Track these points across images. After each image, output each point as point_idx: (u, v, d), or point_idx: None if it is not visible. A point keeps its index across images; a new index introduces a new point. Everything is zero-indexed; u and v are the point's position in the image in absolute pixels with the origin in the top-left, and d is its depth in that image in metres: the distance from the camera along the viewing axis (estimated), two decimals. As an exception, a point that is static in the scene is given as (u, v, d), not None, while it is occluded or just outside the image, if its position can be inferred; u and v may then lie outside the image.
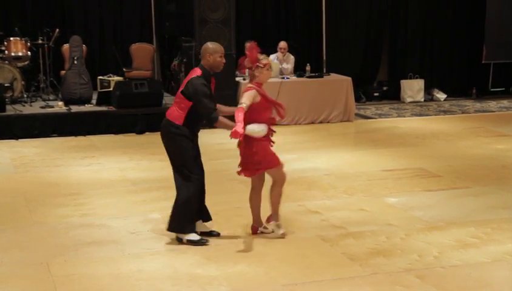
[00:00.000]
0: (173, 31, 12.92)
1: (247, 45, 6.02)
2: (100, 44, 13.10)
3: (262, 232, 6.11)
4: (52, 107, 10.89)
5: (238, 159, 9.05)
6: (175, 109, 5.84)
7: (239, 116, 5.56)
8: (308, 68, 12.10)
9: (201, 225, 6.04)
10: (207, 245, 5.84)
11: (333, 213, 6.72)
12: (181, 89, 5.86)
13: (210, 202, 6.75)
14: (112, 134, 10.60)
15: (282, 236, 6.01)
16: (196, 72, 5.82)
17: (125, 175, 8.20)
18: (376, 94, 14.21)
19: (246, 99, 5.75)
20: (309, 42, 14.06)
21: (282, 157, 9.13)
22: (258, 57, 5.89)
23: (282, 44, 12.01)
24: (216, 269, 5.33)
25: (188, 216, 5.86)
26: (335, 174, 8.22)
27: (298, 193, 7.40)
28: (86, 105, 11.10)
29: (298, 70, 12.12)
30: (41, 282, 5.09)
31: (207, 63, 5.83)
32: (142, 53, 12.75)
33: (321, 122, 11.69)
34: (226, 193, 7.48)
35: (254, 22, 13.66)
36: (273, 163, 5.94)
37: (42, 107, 10.84)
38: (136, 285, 5.05)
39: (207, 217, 6.09)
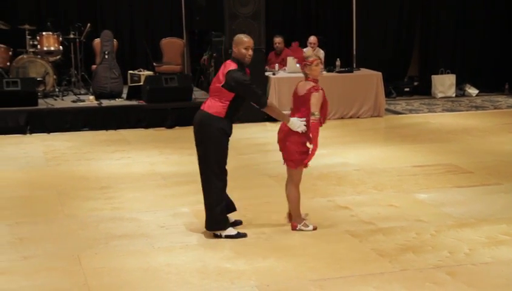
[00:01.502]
0: (203, 25, 12.94)
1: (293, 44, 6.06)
2: (130, 39, 13.19)
3: (301, 230, 6.09)
4: (83, 101, 10.99)
5: (266, 154, 9.11)
6: (215, 101, 5.79)
7: (316, 134, 5.77)
8: (338, 63, 12.06)
9: None
10: (245, 237, 5.88)
11: (363, 209, 6.69)
12: (218, 83, 5.82)
13: (239, 196, 6.77)
14: (142, 129, 10.66)
15: (315, 229, 6.03)
16: (231, 65, 5.80)
17: (155, 169, 8.24)
18: (407, 89, 14.09)
19: (317, 106, 5.82)
20: (339, 37, 13.99)
21: (311, 152, 9.11)
22: (304, 55, 5.94)
23: (312, 39, 11.97)
24: (244, 263, 5.34)
25: (224, 212, 5.89)
26: (365, 169, 8.18)
27: (327, 188, 7.38)
28: (117, 99, 11.18)
29: (328, 65, 12.07)
30: (72, 274, 5.14)
31: (235, 54, 5.82)
32: (172, 47, 12.80)
33: (350, 117, 11.63)
34: (255, 187, 7.49)
35: (284, 16, 13.63)
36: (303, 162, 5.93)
37: (73, 101, 10.95)
38: (165, 278, 5.07)
39: (232, 208, 6.10)
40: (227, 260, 5.40)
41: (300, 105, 5.93)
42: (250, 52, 5.83)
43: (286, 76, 11.46)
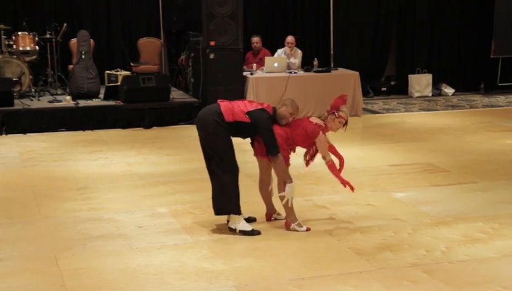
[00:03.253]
0: (181, 25, 12.91)
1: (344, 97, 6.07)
2: (107, 39, 13.10)
3: (276, 219, 6.21)
4: (60, 101, 10.90)
5: (244, 154, 9.10)
6: (238, 107, 5.93)
7: (336, 173, 6.09)
8: (316, 62, 12.09)
9: None
10: (259, 234, 5.92)
11: (341, 208, 6.72)
12: (250, 107, 5.96)
13: (205, 198, 6.75)
14: (120, 129, 10.61)
15: (309, 230, 6.07)
16: (268, 108, 6.00)
17: (132, 169, 8.21)
18: (384, 88, 14.17)
19: (326, 149, 6.08)
20: (316, 37, 14.02)
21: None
22: (340, 107, 5.98)
23: (290, 39, 12.00)
24: (223, 263, 5.34)
25: (234, 198, 5.94)
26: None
27: (305, 188, 7.40)
28: (94, 99, 11.11)
29: (306, 65, 12.11)
30: (49, 275, 5.11)
31: (280, 110, 6.03)
32: (150, 47, 12.75)
33: (328, 117, 11.65)
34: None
35: (262, 16, 13.63)
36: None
37: (50, 102, 10.86)
38: (143, 279, 5.06)
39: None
40: (205, 260, 5.40)
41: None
42: (291, 120, 6.03)
43: (263, 76, 11.47)
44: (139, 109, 10.78)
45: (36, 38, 11.46)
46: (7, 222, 6.31)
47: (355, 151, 9.20)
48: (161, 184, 7.58)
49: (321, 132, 6.02)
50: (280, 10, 13.81)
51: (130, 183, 7.62)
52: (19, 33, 11.36)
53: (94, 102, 10.99)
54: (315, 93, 11.54)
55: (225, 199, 5.91)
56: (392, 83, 14.34)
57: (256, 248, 5.69)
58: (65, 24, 11.65)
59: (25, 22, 11.40)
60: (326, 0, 13.81)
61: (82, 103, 10.86)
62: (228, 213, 6.00)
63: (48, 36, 11.56)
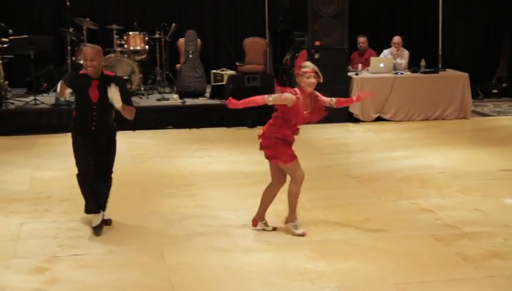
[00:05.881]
0: (286, 25, 12.95)
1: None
2: (214, 38, 13.32)
3: (263, 229, 6.07)
4: (167, 99, 11.18)
5: (349, 155, 9.04)
6: None
7: (251, 98, 6.02)
8: (423, 63, 11.82)
9: None
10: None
11: (448, 212, 6.53)
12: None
13: (321, 196, 6.75)
14: (224, 127, 10.75)
15: (303, 235, 5.91)
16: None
17: (236, 168, 8.29)
18: (495, 90, 13.66)
19: (275, 97, 5.97)
20: (424, 37, 13.73)
21: (394, 153, 9.02)
22: (301, 64, 5.89)
23: (397, 39, 11.80)
24: (326, 264, 5.30)
25: None
26: (450, 172, 7.99)
27: (410, 191, 7.24)
28: (200, 98, 11.32)
29: (413, 65, 11.87)
30: (155, 269, 5.23)
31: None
32: (255, 47, 12.86)
33: (435, 119, 11.38)
34: (337, 188, 7.43)
35: (368, 16, 13.48)
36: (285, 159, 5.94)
37: (158, 100, 11.15)
38: (246, 277, 5.09)
39: None
40: (308, 261, 5.38)
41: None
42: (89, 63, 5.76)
43: (369, 76, 11.33)
44: (243, 108, 10.85)
45: (146, 38, 11.79)
46: (117, 216, 6.49)
47: (463, 154, 8.94)
48: (264, 183, 7.55)
49: (288, 93, 5.86)
50: (387, 9, 13.61)
51: (235, 181, 7.70)
52: (130, 33, 11.72)
53: (201, 101, 11.19)
54: (422, 95, 11.29)
55: None
56: (504, 85, 13.81)
57: (360, 249, 5.61)
58: (173, 24, 11.93)
59: (136, 23, 11.76)
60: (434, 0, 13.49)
61: (189, 101, 11.08)
62: None
63: (157, 35, 11.87)
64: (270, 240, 5.85)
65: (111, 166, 6.10)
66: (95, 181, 5.95)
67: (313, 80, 5.83)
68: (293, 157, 5.94)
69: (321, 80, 5.88)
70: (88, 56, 5.67)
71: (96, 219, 5.98)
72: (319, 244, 5.74)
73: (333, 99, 6.10)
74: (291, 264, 5.32)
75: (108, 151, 6.03)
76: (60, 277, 5.07)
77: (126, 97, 5.81)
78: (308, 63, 5.89)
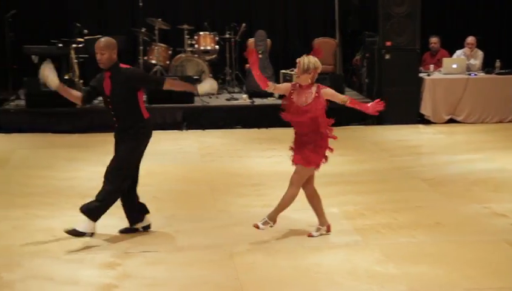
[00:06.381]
0: (356, 25, 12.85)
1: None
2: (284, 38, 13.33)
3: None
4: (237, 99, 11.25)
5: (419, 157, 8.90)
6: None
7: (261, 76, 5.87)
8: (498, 64, 11.53)
9: None
10: None
11: (522, 217, 6.36)
12: None
13: (390, 198, 6.67)
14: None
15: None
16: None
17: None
18: None
19: (276, 85, 6.08)
20: (499, 37, 13.39)
21: (467, 156, 8.84)
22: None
23: (470, 39, 11.55)
24: (395, 268, 5.23)
25: None
26: (525, 176, 7.78)
27: (483, 195, 7.08)
28: (269, 98, 11.34)
29: (487, 66, 11.59)
30: (224, 268, 5.26)
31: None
32: (325, 47, 12.73)
33: (510, 121, 11.09)
34: (407, 190, 7.33)
35: (440, 16, 13.23)
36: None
37: (227, 99, 11.24)
38: (314, 278, 5.08)
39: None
40: (377, 263, 5.32)
41: None
42: (98, 56, 5.67)
43: (441, 77, 11.13)
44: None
45: (216, 38, 11.89)
46: (186, 214, 6.59)
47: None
48: (332, 184, 7.57)
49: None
50: (460, 9, 13.33)
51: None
52: (201, 32, 11.85)
53: (270, 101, 11.21)
54: (496, 97, 11.03)
55: None
56: None
57: (429, 253, 5.52)
58: (243, 24, 11.99)
59: (207, 23, 11.88)
60: (510, -1, 13.16)
61: (258, 101, 11.11)
62: None
63: (227, 35, 11.95)
64: (338, 242, 5.81)
65: (118, 166, 5.71)
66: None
67: (297, 70, 5.87)
68: (295, 160, 5.95)
69: (299, 71, 5.85)
70: (98, 50, 5.62)
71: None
72: (388, 247, 5.67)
73: (347, 98, 6.06)
74: (360, 266, 5.28)
75: (122, 148, 5.75)
76: (131, 273, 5.16)
77: (148, 79, 5.81)
78: (301, 59, 5.87)
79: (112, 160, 5.77)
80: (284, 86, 6.06)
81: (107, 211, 5.73)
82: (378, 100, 5.94)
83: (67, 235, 5.77)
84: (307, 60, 5.81)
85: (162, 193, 7.28)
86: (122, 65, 5.76)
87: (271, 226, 5.90)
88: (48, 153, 9.05)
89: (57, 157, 8.75)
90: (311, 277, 5.09)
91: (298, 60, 5.88)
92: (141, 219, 5.97)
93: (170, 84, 5.95)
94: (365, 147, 9.44)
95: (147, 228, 6.01)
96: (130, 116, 5.70)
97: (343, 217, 6.42)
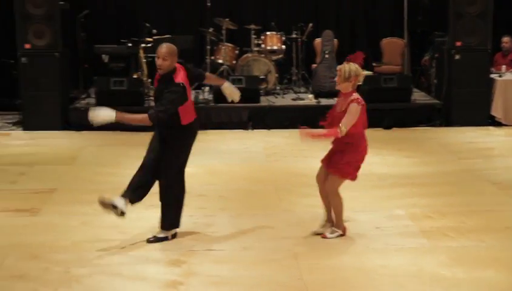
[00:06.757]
0: (426, 25, 12.64)
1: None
2: (351, 38, 13.22)
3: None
4: (302, 99, 11.22)
5: (490, 160, 8.69)
6: None
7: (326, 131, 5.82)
8: None
9: None
10: None
11: None
12: None
13: (459, 201, 6.53)
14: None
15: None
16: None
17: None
18: None
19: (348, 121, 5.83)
20: None
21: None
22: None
23: (506, 39, 11.27)
24: (462, 272, 5.13)
25: None
26: None
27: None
28: (335, 98, 11.22)
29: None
30: (288, 268, 5.26)
31: None
32: (393, 47, 12.64)
33: None
34: (476, 194, 7.17)
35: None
36: None
37: (293, 99, 11.22)
38: (379, 280, 5.02)
39: None
40: (444, 267, 5.23)
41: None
42: (159, 61, 5.64)
43: (513, 79, 10.86)
44: (379, 109, 10.71)
45: (283, 38, 11.89)
46: (251, 213, 6.61)
47: None
48: (398, 186, 7.48)
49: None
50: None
51: (369, 183, 7.59)
52: (268, 32, 11.87)
53: (336, 101, 11.10)
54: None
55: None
56: None
57: (498, 258, 5.39)
58: (310, 24, 11.95)
59: (274, 23, 11.89)
60: None
61: (324, 101, 11.06)
62: None
63: (294, 35, 11.93)
64: (404, 244, 5.74)
65: (166, 165, 5.74)
66: (146, 174, 5.81)
67: (336, 78, 5.89)
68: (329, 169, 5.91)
69: (340, 80, 5.85)
70: (160, 55, 5.64)
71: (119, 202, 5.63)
72: (456, 251, 5.56)
73: (342, 130, 5.77)
74: (426, 269, 5.19)
75: (159, 149, 5.79)
76: (196, 270, 5.22)
77: (164, 99, 5.59)
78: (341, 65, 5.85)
79: (164, 161, 5.74)
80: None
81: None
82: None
83: (133, 232, 5.88)
84: (347, 68, 5.79)
85: (228, 192, 7.32)
86: (177, 76, 5.67)
87: (340, 235, 5.88)
88: (117, 151, 9.24)
89: (125, 155, 8.90)
90: (375, 279, 5.04)
91: (338, 68, 5.91)
92: (136, 200, 5.80)
93: (133, 120, 5.84)
94: (433, 148, 9.28)
95: (115, 207, 5.63)
96: (168, 121, 5.66)
97: (409, 219, 6.33)
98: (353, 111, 5.76)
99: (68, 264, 5.31)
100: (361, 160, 5.90)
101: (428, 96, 11.54)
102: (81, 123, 10.48)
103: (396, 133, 10.41)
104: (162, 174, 5.76)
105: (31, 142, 9.77)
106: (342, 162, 5.81)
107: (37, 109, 10.43)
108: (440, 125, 10.63)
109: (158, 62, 5.64)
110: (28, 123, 10.47)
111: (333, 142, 5.91)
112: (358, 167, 5.90)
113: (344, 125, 5.67)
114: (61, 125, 10.49)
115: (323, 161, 6.02)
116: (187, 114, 5.74)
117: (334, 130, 5.67)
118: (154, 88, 5.95)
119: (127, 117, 5.71)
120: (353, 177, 5.89)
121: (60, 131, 10.37)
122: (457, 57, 10.67)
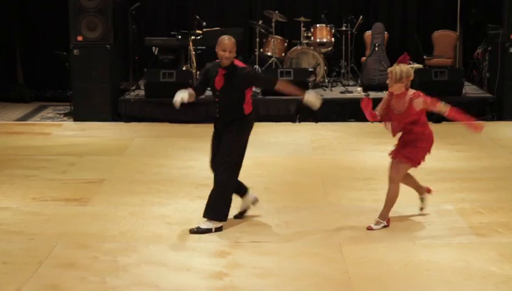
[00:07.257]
0: (479, 18, 12.39)
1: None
2: (402, 31, 13.06)
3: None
4: (351, 92, 11.14)
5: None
6: None
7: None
8: None
9: None
10: None
11: None
12: None
13: (509, 197, 6.41)
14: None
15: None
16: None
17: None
18: None
19: (379, 108, 6.27)
20: None
21: None
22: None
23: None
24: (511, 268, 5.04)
25: None
26: None
27: None
28: (384, 91, 11.14)
29: None
30: (333, 261, 5.24)
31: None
32: (445, 40, 12.43)
33: None
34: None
35: None
36: None
37: (341, 92, 11.16)
38: (426, 275, 4.96)
39: None
40: (493, 263, 5.13)
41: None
42: (226, 54, 5.78)
43: None
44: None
45: (333, 30, 11.82)
46: (296, 205, 6.60)
47: None
48: (448, 180, 7.38)
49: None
50: None
51: (417, 177, 7.48)
52: (317, 25, 11.81)
53: (385, 94, 10.98)
54: None
55: None
56: None
57: (550, 256, 5.26)
58: (361, 17, 11.85)
59: (324, 15, 11.82)
60: None
61: (373, 94, 10.94)
62: None
63: (344, 28, 11.85)
64: (452, 239, 5.65)
65: (226, 155, 5.83)
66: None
67: (388, 81, 5.99)
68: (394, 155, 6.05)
69: (392, 81, 5.93)
70: (228, 48, 5.76)
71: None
72: (505, 246, 5.46)
73: (446, 107, 5.98)
74: (474, 265, 5.11)
75: (227, 139, 5.86)
76: (241, 262, 5.24)
77: (261, 80, 6.45)
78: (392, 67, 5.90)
79: (222, 147, 5.87)
80: (382, 105, 6.21)
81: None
82: (482, 122, 5.83)
83: (180, 222, 5.92)
84: (399, 69, 5.83)
85: (274, 184, 7.32)
86: (236, 62, 5.90)
87: (385, 226, 5.86)
88: (165, 142, 9.32)
89: (174, 146, 8.99)
90: (422, 274, 4.98)
91: (389, 70, 5.97)
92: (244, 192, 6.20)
93: (282, 86, 6.19)
94: (483, 143, 9.10)
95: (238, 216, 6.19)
96: (233, 112, 5.86)
97: (458, 214, 6.24)
98: (428, 102, 5.98)
99: (115, 253, 5.39)
100: (431, 148, 6.04)
101: (480, 90, 11.33)
102: (131, 115, 10.63)
103: (446, 126, 10.21)
104: (220, 167, 5.85)
105: (82, 133, 9.94)
106: (415, 150, 5.91)
107: (88, 100, 10.61)
108: (492, 119, 10.44)
109: (226, 54, 5.79)
110: (79, 114, 10.65)
111: (403, 135, 6.04)
112: (426, 155, 6.02)
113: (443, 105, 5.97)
114: (111, 117, 10.65)
115: (393, 155, 6.09)
116: (248, 104, 5.92)
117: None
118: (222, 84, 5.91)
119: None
120: (419, 163, 6.00)
121: (110, 122, 10.52)
122: (511, 50, 10.45)
